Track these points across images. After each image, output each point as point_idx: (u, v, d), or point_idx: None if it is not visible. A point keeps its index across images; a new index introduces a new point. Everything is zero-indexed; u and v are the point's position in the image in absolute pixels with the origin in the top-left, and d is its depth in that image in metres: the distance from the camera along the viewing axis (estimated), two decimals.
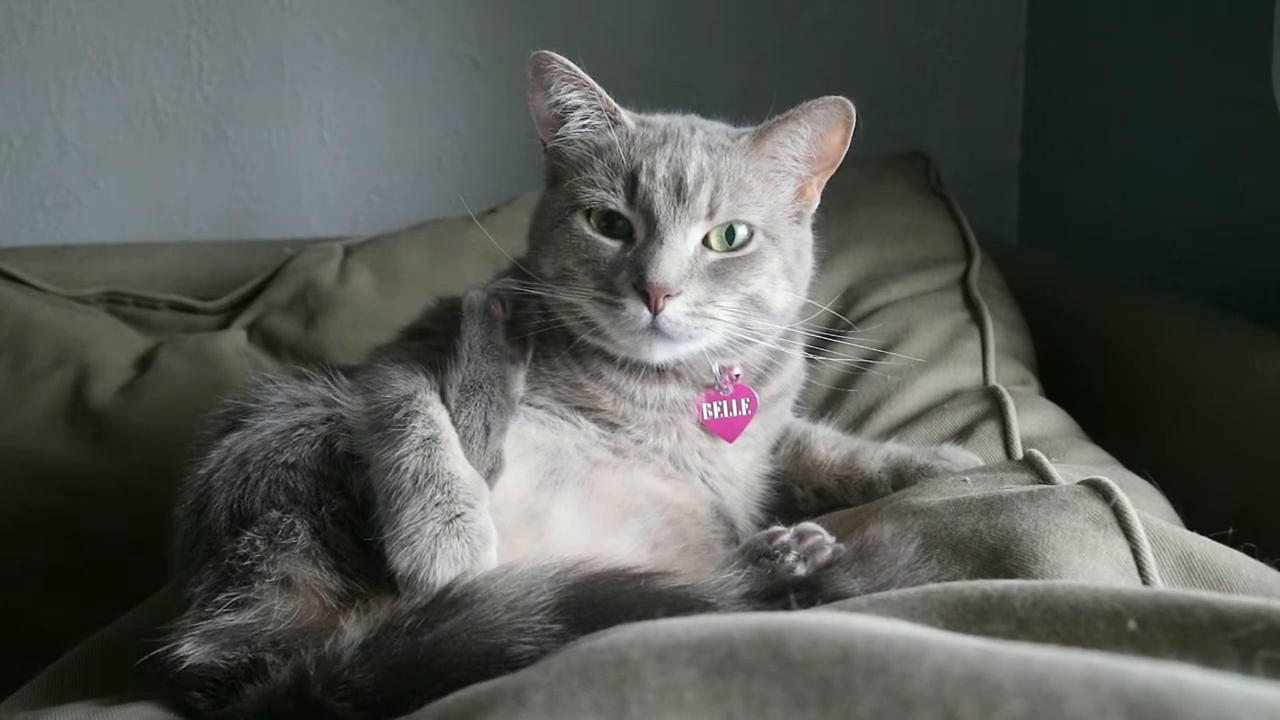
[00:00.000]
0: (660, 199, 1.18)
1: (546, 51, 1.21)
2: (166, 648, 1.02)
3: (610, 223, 1.21)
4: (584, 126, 1.25)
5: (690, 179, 1.19)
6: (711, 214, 1.20)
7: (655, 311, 1.15)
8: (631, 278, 1.16)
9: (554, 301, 1.24)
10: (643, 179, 1.19)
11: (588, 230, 1.21)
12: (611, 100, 1.24)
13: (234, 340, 1.93)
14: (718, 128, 1.29)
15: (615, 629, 0.73)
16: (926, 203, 2.03)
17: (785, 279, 1.25)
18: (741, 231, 1.21)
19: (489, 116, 2.48)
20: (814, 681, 0.62)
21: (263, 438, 1.14)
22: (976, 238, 1.94)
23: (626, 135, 1.24)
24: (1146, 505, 1.21)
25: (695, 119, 1.31)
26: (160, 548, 1.65)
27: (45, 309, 1.96)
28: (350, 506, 1.08)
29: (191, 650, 1.01)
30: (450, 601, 0.95)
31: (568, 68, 1.22)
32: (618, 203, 1.20)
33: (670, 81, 2.40)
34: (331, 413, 1.15)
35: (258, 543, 1.06)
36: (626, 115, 1.26)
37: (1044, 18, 2.44)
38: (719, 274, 1.20)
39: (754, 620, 0.69)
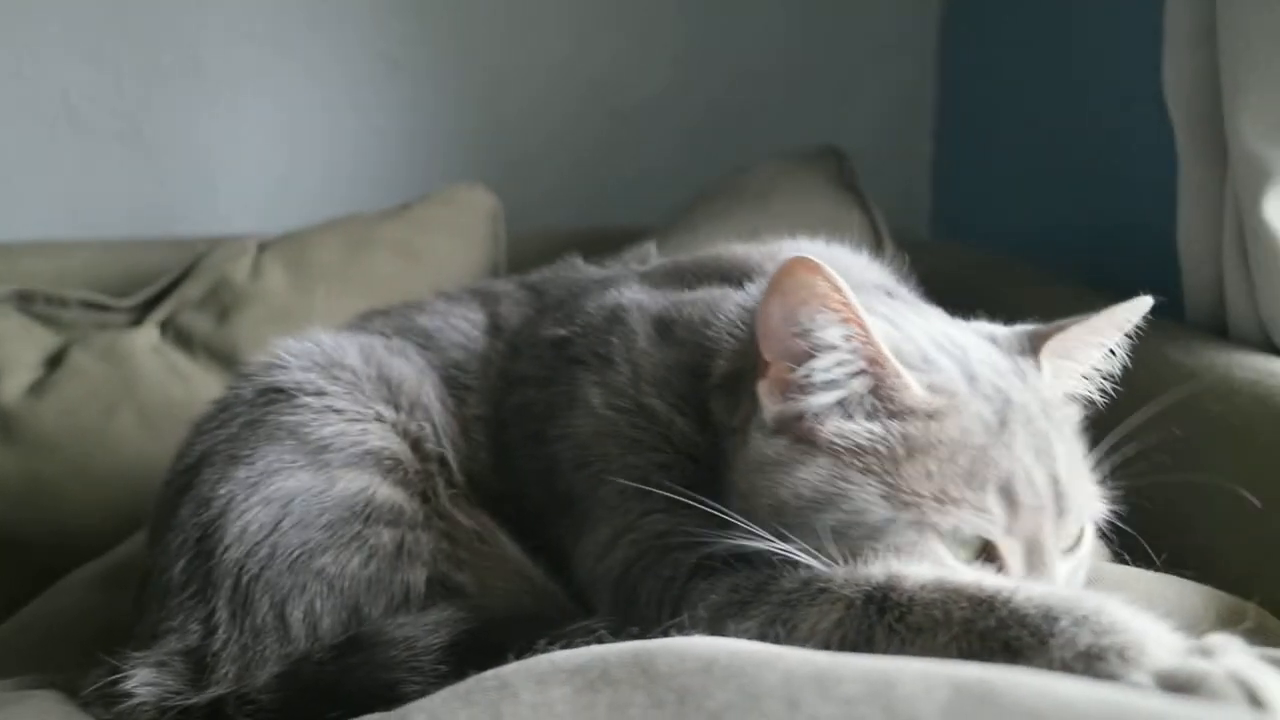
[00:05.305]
0: (1049, 520, 0.87)
1: (814, 259, 0.85)
2: (113, 679, 1.00)
3: (972, 548, 0.87)
4: (831, 381, 0.88)
5: (1064, 480, 0.88)
6: (1079, 518, 0.91)
7: None
8: None
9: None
10: (1022, 493, 0.86)
11: (949, 561, 0.86)
12: (888, 354, 0.88)
13: (147, 337, 1.90)
14: (1000, 359, 0.94)
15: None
16: (840, 197, 2.08)
17: None
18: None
19: (407, 114, 2.48)
20: (675, 688, 0.70)
21: (304, 495, 1.02)
22: (891, 232, 1.99)
23: (956, 417, 0.87)
24: None
25: (968, 339, 0.95)
26: (70, 544, 1.64)
27: None
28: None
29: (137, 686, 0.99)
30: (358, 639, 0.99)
31: (838, 293, 0.86)
32: (995, 530, 0.86)
33: (583, 79, 2.41)
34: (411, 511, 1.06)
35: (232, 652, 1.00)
36: (911, 378, 0.88)
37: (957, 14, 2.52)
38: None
39: (630, 645, 0.76)
